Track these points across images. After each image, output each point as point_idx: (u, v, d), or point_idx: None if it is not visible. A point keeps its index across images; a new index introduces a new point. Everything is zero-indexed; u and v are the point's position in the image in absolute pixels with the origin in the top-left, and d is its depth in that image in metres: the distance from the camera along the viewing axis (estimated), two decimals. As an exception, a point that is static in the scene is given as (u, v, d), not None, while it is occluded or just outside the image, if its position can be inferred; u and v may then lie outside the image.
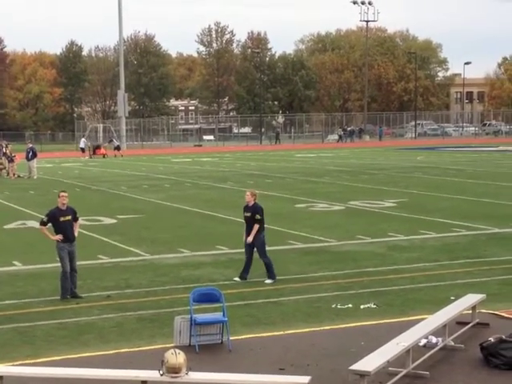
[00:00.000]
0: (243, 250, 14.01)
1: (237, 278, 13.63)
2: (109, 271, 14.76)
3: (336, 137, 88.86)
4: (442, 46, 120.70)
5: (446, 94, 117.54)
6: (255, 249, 13.62)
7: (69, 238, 12.62)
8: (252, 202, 13.71)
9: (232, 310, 10.89)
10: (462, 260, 15.30)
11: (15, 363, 9.15)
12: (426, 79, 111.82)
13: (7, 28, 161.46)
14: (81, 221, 13.96)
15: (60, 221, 12.64)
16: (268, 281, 13.53)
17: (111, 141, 67.30)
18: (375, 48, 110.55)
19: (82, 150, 61.67)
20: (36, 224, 21.08)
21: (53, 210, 12.83)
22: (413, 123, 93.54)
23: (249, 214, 13.62)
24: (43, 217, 12.99)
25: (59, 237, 12.54)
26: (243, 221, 13.96)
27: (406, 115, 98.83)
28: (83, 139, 65.17)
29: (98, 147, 62.48)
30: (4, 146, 41.32)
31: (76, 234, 12.91)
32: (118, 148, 62.43)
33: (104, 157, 59.30)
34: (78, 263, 14.66)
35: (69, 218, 12.71)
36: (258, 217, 13.54)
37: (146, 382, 7.77)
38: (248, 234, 13.58)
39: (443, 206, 24.04)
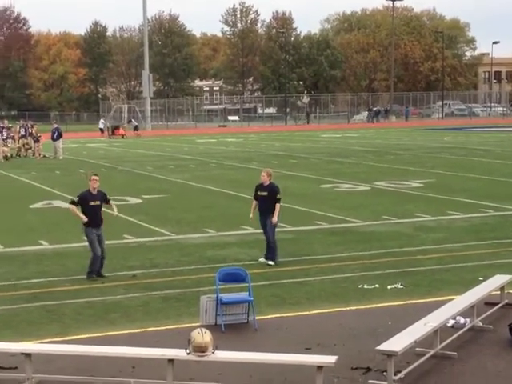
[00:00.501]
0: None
1: (262, 259, 13.59)
2: (134, 251, 14.80)
3: (362, 117, 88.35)
4: (470, 25, 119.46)
5: (473, 74, 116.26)
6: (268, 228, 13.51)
7: (97, 222, 12.60)
8: (268, 182, 13.66)
9: (257, 290, 10.86)
10: (489, 241, 15.14)
11: (44, 341, 9.21)
12: (454, 59, 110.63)
13: (32, 9, 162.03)
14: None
15: (90, 205, 12.60)
16: (270, 262, 13.35)
17: (130, 121, 67.20)
18: (401, 27, 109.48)
19: (101, 130, 61.58)
20: (62, 204, 21.28)
21: (84, 192, 12.77)
22: (440, 103, 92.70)
23: (265, 194, 13.55)
24: (74, 197, 12.94)
25: (85, 219, 12.51)
26: (252, 198, 13.90)
27: (433, 95, 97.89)
28: (102, 120, 65.18)
29: (116, 128, 62.36)
30: (30, 126, 41.55)
31: (116, 211, 12.98)
32: (136, 128, 62.35)
33: (123, 137, 59.15)
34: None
35: (98, 202, 12.69)
36: (279, 196, 13.51)
37: (172, 360, 7.78)
38: (264, 213, 13.49)
39: (471, 186, 23.81)
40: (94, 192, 12.72)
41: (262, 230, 13.89)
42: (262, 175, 13.76)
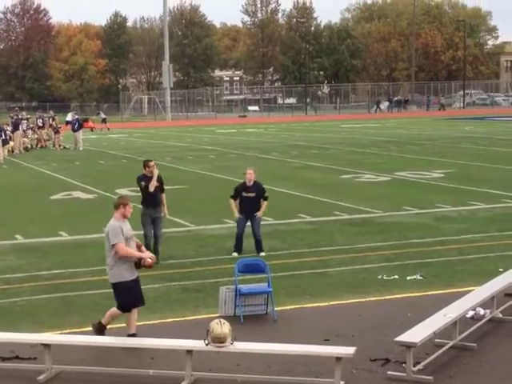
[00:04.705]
0: (288, 221, 13.87)
1: (235, 253, 13.42)
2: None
3: (383, 107, 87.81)
4: (492, 14, 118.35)
5: (495, 63, 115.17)
6: (250, 224, 13.48)
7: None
8: (252, 181, 13.54)
9: (276, 281, 10.84)
10: (511, 231, 15.00)
11: (63, 332, 9.25)
12: (475, 48, 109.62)
13: (52, 0, 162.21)
14: (127, 192, 14.01)
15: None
16: (262, 253, 13.28)
17: (98, 113, 66.81)
18: (422, 16, 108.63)
19: (67, 123, 59.13)
20: (82, 195, 21.42)
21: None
22: (461, 93, 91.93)
23: (253, 195, 13.47)
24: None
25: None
26: (235, 196, 13.69)
27: (455, 84, 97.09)
28: (70, 113, 63.47)
29: (85, 120, 62.01)
30: (50, 117, 41.73)
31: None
32: (104, 121, 61.95)
33: (92, 130, 58.53)
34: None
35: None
36: (267, 194, 13.62)
37: (191, 351, 7.80)
38: (250, 213, 13.44)
39: (493, 176, 23.61)
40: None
41: (284, 221, 13.73)
42: (249, 173, 13.53)
